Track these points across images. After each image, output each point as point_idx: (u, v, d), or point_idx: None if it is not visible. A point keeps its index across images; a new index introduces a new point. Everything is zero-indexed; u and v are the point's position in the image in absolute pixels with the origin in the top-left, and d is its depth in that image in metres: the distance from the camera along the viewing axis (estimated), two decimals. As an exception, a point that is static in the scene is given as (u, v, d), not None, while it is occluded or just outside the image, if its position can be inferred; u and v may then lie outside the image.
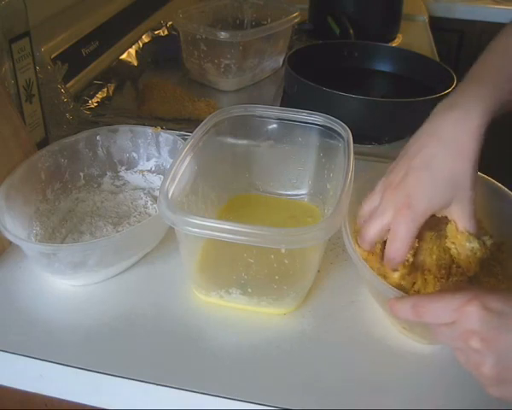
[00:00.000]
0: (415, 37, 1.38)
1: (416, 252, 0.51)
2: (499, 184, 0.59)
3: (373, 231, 0.50)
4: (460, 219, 0.49)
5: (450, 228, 0.50)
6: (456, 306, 0.39)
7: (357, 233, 0.53)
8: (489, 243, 0.51)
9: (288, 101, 0.98)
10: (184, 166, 0.55)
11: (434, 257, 0.50)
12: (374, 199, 0.52)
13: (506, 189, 0.58)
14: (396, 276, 0.50)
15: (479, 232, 0.51)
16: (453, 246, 0.50)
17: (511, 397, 0.39)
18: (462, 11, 1.63)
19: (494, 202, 0.58)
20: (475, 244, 0.49)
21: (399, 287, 0.49)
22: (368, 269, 0.48)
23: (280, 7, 1.17)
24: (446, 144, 0.48)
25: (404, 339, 0.52)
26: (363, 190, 0.57)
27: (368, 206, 0.53)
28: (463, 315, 0.38)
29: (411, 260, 0.50)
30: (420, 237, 0.51)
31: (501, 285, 0.53)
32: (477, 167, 0.48)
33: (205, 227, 0.47)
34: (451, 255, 0.51)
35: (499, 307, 0.37)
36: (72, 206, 0.67)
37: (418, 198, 0.48)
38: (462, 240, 0.49)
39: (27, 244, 0.55)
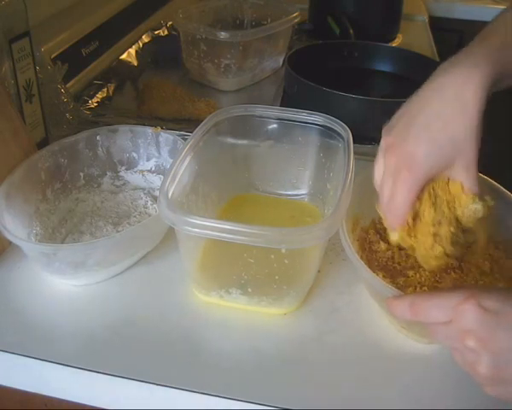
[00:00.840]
0: (415, 37, 1.38)
1: (416, 215, 0.49)
2: (496, 183, 0.59)
3: (385, 201, 0.49)
4: (464, 180, 0.47)
5: (454, 188, 0.49)
6: (453, 304, 0.39)
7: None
8: (491, 203, 0.50)
9: (288, 101, 0.98)
10: (184, 166, 0.55)
11: (452, 229, 0.49)
12: (379, 164, 0.50)
13: (503, 188, 0.58)
14: (395, 238, 0.50)
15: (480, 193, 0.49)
16: (459, 207, 0.49)
17: (507, 396, 0.39)
18: (462, 11, 1.63)
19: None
20: (479, 205, 0.48)
21: (398, 247, 0.50)
22: (365, 268, 0.48)
23: (280, 7, 1.17)
24: (449, 102, 0.46)
25: (404, 339, 0.52)
26: (362, 187, 0.57)
27: (377, 175, 0.51)
28: (460, 314, 0.38)
29: (411, 222, 0.49)
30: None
31: (498, 284, 0.53)
32: (479, 128, 0.46)
33: (205, 227, 0.47)
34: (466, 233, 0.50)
35: (496, 306, 0.37)
36: (72, 206, 0.67)
37: (419, 159, 0.46)
38: (467, 201, 0.48)
39: (27, 244, 0.55)
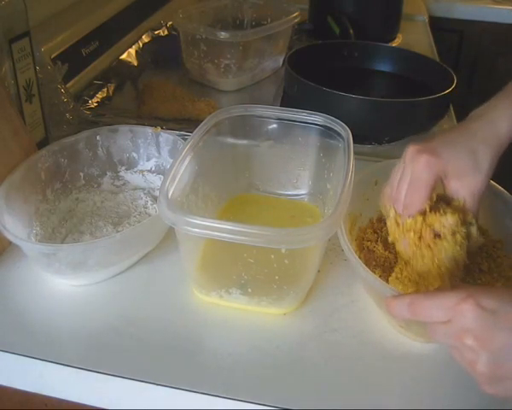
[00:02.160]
0: (415, 37, 1.37)
1: (431, 207, 0.50)
2: (493, 182, 0.59)
3: (403, 188, 0.50)
4: (468, 198, 0.50)
5: (455, 204, 0.50)
6: (452, 304, 0.39)
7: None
8: (481, 241, 0.51)
9: (287, 101, 0.98)
10: (184, 166, 0.55)
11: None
12: (397, 169, 0.52)
13: (500, 187, 0.58)
14: (409, 221, 0.50)
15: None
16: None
17: (505, 394, 0.39)
18: (462, 11, 1.63)
19: (488, 199, 0.58)
20: (474, 229, 0.50)
21: (411, 234, 0.49)
22: (363, 267, 0.48)
23: (280, 7, 1.17)
24: (477, 129, 0.50)
25: (404, 338, 0.52)
26: (360, 187, 0.57)
27: (393, 177, 0.53)
28: (458, 314, 0.38)
29: (428, 210, 0.49)
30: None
31: (496, 283, 0.53)
32: (496, 162, 0.50)
33: (205, 227, 0.47)
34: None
35: (493, 306, 0.38)
36: (72, 206, 0.67)
37: (440, 150, 0.49)
38: (465, 219, 0.49)
39: (27, 244, 0.55)
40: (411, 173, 0.49)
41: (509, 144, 0.51)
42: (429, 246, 0.49)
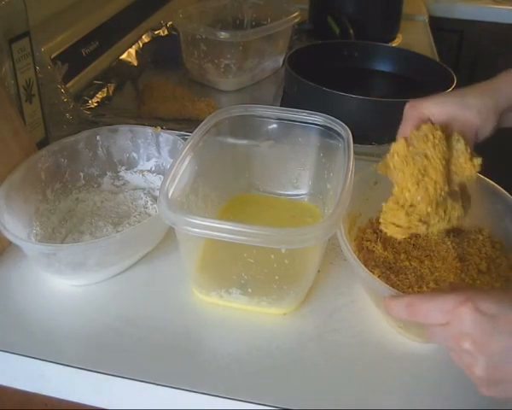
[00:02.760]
0: (415, 37, 1.38)
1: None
2: (493, 183, 0.59)
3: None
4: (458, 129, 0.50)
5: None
6: (450, 307, 0.39)
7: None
8: (478, 162, 0.50)
9: (287, 101, 0.98)
10: (184, 166, 0.55)
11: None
12: None
13: (499, 187, 0.58)
14: (393, 146, 0.50)
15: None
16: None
17: (502, 396, 0.39)
18: (462, 11, 1.63)
19: (488, 199, 0.58)
20: (461, 146, 0.49)
21: (395, 157, 0.49)
22: (362, 267, 0.48)
23: (280, 7, 1.17)
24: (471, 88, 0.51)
25: (403, 338, 0.52)
26: (359, 187, 0.57)
27: None
28: (456, 317, 0.38)
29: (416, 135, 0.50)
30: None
31: (495, 284, 0.53)
32: (487, 111, 0.49)
33: (205, 227, 0.47)
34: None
35: (492, 309, 0.38)
36: (72, 206, 0.67)
37: (431, 97, 0.51)
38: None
39: (27, 244, 0.55)
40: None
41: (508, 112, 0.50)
42: (407, 158, 0.49)
